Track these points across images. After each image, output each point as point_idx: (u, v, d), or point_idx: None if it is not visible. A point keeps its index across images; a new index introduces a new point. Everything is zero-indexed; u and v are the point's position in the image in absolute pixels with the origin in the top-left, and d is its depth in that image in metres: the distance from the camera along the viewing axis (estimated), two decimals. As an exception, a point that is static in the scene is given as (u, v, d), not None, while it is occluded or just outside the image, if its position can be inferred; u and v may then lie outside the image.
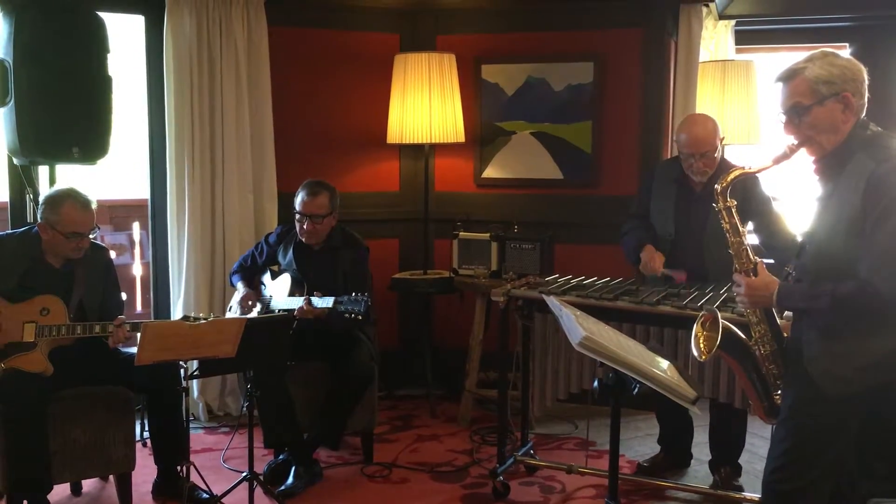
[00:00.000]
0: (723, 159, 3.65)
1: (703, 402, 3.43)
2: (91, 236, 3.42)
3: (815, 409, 2.31)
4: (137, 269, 6.16)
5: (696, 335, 2.48)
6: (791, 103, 2.32)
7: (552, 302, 2.95)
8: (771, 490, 2.41)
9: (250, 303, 3.93)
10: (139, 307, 6.03)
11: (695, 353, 2.46)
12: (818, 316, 2.28)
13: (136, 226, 6.20)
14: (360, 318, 3.52)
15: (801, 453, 2.34)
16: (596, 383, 2.63)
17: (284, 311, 3.74)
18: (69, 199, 3.34)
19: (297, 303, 3.69)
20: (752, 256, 2.46)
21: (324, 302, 3.63)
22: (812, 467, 2.33)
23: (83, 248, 3.41)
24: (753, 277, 2.42)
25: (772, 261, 3.46)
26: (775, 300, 2.37)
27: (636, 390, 2.50)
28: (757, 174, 2.63)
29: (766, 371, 2.49)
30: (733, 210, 2.50)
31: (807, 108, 2.29)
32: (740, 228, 2.48)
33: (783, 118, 2.35)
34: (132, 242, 6.26)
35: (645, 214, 3.80)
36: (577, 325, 2.51)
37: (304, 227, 3.87)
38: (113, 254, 5.28)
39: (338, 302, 3.58)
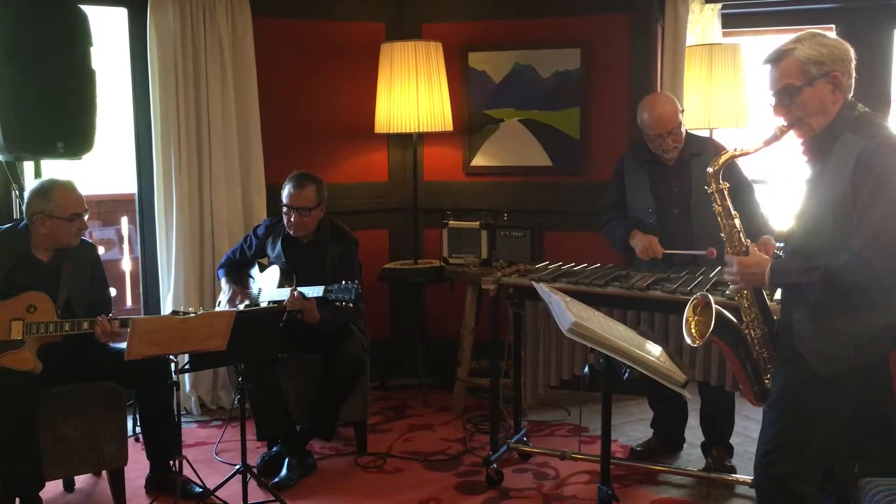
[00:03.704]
0: (687, 132, 3.72)
1: (693, 385, 3.44)
2: (85, 217, 3.44)
3: (806, 390, 2.32)
4: (126, 264, 6.13)
5: (687, 320, 2.49)
6: (781, 85, 2.32)
7: (542, 289, 2.95)
8: (764, 473, 2.42)
9: (238, 301, 3.92)
10: (129, 302, 6.01)
11: (687, 339, 2.46)
12: (811, 291, 2.28)
13: (124, 220, 6.17)
14: (351, 304, 3.52)
15: (793, 435, 2.35)
16: (587, 369, 2.64)
17: (274, 302, 3.74)
18: (58, 185, 3.41)
19: (286, 294, 3.68)
20: (743, 239, 2.47)
21: (314, 291, 3.63)
22: (804, 449, 2.34)
23: (83, 230, 3.46)
24: (745, 256, 2.43)
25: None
26: (768, 276, 2.37)
27: (627, 375, 2.50)
28: (742, 157, 2.63)
29: (757, 355, 2.50)
30: (725, 192, 2.50)
31: (797, 89, 2.29)
32: (732, 211, 2.49)
33: (773, 100, 2.35)
34: (120, 237, 6.23)
35: (620, 204, 3.82)
36: (567, 312, 2.51)
37: (292, 219, 3.86)
38: (101, 249, 5.26)
39: (328, 290, 3.58)
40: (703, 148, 3.65)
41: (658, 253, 3.59)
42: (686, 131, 3.71)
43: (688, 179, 3.61)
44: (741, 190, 3.59)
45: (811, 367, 2.30)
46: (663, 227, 3.65)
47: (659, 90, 4.73)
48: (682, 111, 3.68)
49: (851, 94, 2.33)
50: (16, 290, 3.30)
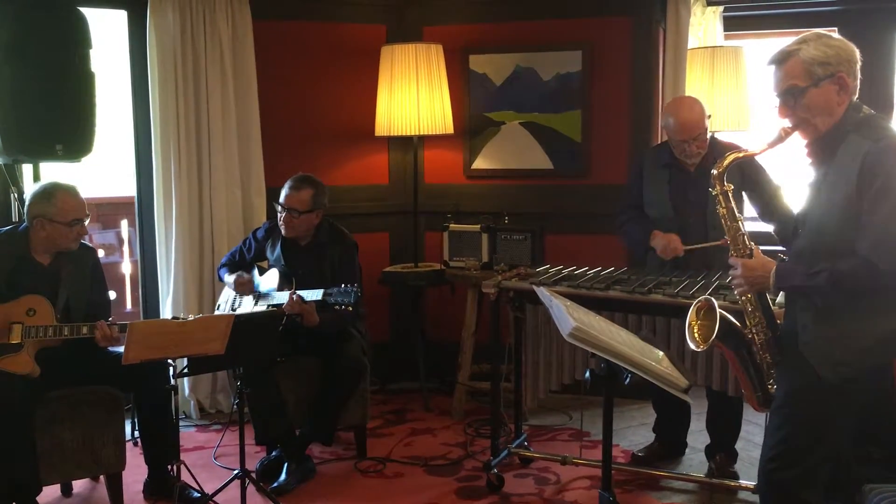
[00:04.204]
0: (711, 137, 3.64)
1: (700, 389, 3.42)
2: (86, 222, 3.43)
3: (811, 395, 2.29)
4: (126, 267, 6.10)
5: (689, 324, 2.45)
6: (786, 86, 2.29)
7: (542, 293, 2.92)
8: (768, 479, 2.39)
9: (244, 287, 3.89)
10: (129, 305, 5.99)
11: (690, 344, 2.43)
12: (817, 294, 2.26)
13: (124, 223, 6.14)
14: (351, 308, 3.51)
15: (798, 441, 2.32)
16: (588, 374, 2.61)
17: (273, 306, 3.72)
18: (60, 189, 3.39)
19: (285, 297, 3.66)
20: (748, 243, 2.44)
21: (313, 294, 3.61)
22: (808, 455, 2.31)
23: (83, 235, 3.45)
24: (749, 259, 2.41)
25: (769, 247, 3.45)
26: (773, 280, 2.34)
27: (628, 380, 2.48)
28: (754, 157, 2.61)
29: (761, 360, 2.47)
30: (730, 195, 2.48)
31: (802, 90, 2.27)
32: (737, 214, 2.47)
33: (777, 101, 2.33)
34: (120, 240, 6.20)
35: (639, 204, 3.77)
36: (568, 316, 2.48)
37: (283, 219, 3.85)
38: (101, 252, 5.23)
39: (327, 294, 3.56)
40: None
41: (679, 251, 3.52)
42: (720, 140, 3.59)
43: (705, 187, 3.52)
44: (775, 195, 3.55)
45: (817, 373, 2.27)
46: (680, 232, 3.56)
47: (661, 93, 4.71)
48: (709, 116, 3.58)
49: (857, 95, 2.30)
50: (16, 292, 3.28)
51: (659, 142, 4.66)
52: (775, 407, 2.40)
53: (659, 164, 3.70)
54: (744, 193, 3.58)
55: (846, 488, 2.52)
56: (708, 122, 3.56)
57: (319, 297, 3.60)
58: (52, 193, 3.36)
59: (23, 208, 3.81)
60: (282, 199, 3.86)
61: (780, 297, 2.70)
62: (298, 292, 3.64)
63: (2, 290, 3.29)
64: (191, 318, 3.27)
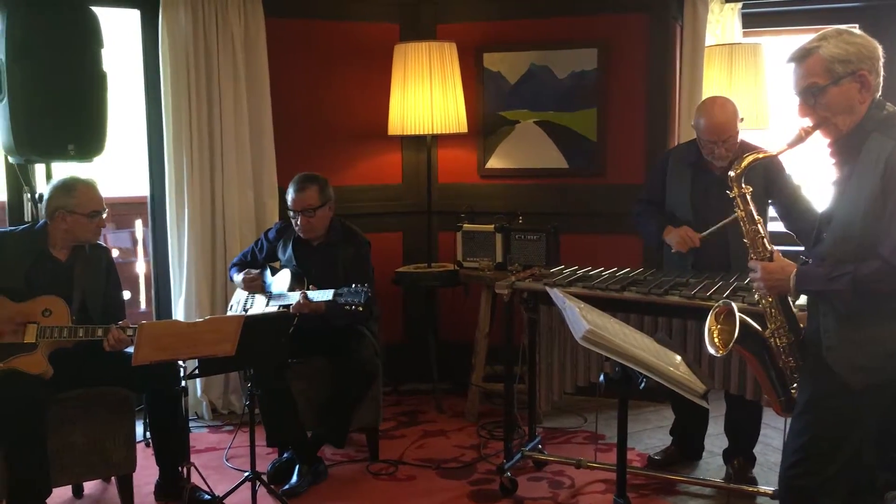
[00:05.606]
0: (742, 141, 3.53)
1: (718, 391, 3.36)
2: (104, 216, 3.46)
3: (834, 401, 2.24)
4: (141, 267, 6.10)
5: (709, 329, 2.40)
6: (806, 84, 2.23)
7: (556, 294, 2.88)
8: (789, 486, 2.34)
9: (254, 284, 3.88)
10: (143, 305, 5.98)
11: (710, 349, 2.38)
12: (838, 299, 2.20)
13: (138, 223, 6.14)
14: (361, 308, 3.47)
15: (820, 447, 2.27)
16: (602, 377, 2.57)
17: (284, 306, 3.69)
18: (80, 182, 3.44)
19: (296, 297, 3.64)
20: (768, 245, 2.39)
21: (322, 295, 3.58)
22: (831, 461, 2.26)
23: (102, 227, 3.49)
24: (769, 262, 2.36)
25: (784, 247, 3.39)
26: (793, 283, 2.29)
27: (643, 385, 2.43)
28: (777, 157, 2.55)
29: (783, 364, 2.42)
30: (748, 197, 2.42)
31: (822, 89, 2.21)
32: (756, 216, 2.41)
33: (797, 100, 2.27)
34: (135, 241, 6.20)
35: (656, 200, 3.70)
36: (581, 319, 2.44)
37: (299, 223, 3.82)
38: (115, 253, 5.23)
39: (337, 294, 3.54)
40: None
41: (695, 240, 3.45)
42: (742, 141, 3.48)
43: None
44: (795, 194, 3.49)
45: (841, 379, 2.22)
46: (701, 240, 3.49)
47: (678, 91, 4.65)
48: (742, 119, 3.49)
49: (880, 92, 2.24)
50: (33, 289, 3.29)
51: (676, 141, 4.61)
52: (797, 412, 2.35)
53: (684, 162, 3.61)
54: (769, 201, 3.50)
55: (868, 495, 2.46)
56: (739, 125, 3.45)
57: (330, 298, 3.56)
58: (73, 186, 3.40)
59: (35, 208, 3.82)
60: (291, 205, 3.83)
61: (802, 300, 2.64)
62: (309, 293, 3.61)
63: (20, 286, 3.29)
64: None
